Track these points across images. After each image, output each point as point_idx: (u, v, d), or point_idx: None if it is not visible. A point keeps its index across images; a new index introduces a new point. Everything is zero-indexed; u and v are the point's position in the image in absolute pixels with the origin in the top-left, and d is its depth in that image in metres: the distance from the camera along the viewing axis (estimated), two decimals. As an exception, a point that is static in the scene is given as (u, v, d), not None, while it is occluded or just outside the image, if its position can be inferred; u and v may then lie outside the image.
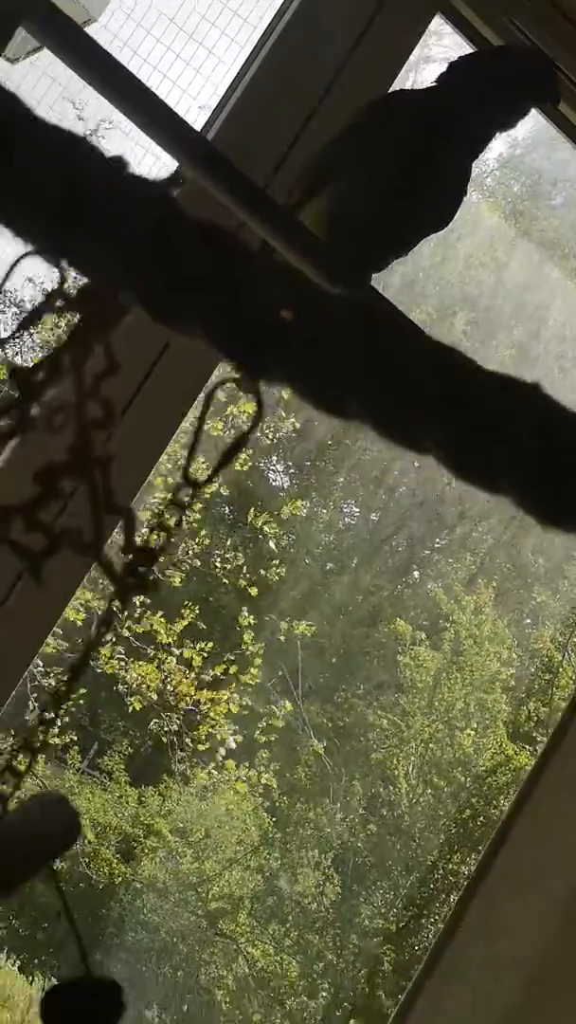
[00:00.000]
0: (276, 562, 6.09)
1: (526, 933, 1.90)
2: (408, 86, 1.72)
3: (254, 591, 5.97)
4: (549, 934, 1.90)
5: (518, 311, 6.31)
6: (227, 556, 5.96)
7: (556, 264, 6.19)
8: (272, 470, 6.89)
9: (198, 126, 1.85)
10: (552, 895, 1.91)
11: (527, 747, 5.71)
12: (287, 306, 0.57)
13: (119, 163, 0.58)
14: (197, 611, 5.87)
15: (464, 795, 5.70)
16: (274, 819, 5.88)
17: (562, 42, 1.88)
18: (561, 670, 5.88)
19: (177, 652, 5.80)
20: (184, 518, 0.58)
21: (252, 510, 6.10)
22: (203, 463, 0.66)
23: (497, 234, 6.42)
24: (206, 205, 1.46)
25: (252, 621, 5.94)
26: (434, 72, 1.45)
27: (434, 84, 1.49)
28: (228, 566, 5.97)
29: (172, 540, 0.57)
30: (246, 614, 5.94)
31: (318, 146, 1.59)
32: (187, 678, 5.78)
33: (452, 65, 1.50)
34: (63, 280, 0.58)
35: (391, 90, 1.79)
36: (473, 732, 5.79)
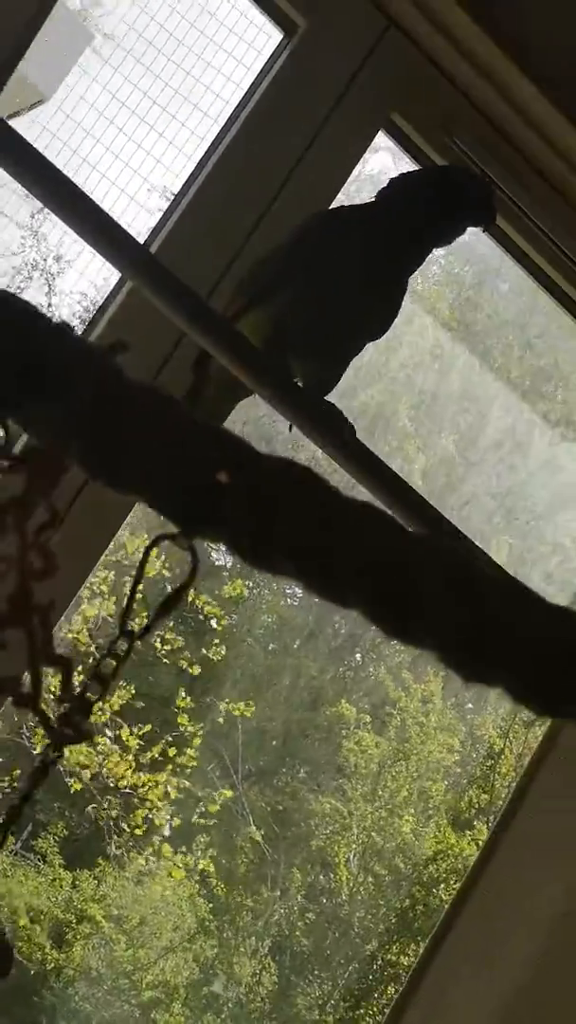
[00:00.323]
0: (217, 642, 6.08)
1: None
2: (346, 199, 1.77)
3: (195, 670, 5.95)
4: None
5: (462, 398, 6.40)
6: (167, 636, 5.94)
7: (492, 370, 6.31)
8: (214, 549, 6.90)
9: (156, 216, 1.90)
10: (497, 986, 1.92)
11: (468, 834, 5.71)
12: (223, 468, 0.59)
13: (65, 328, 0.61)
14: (133, 691, 5.83)
15: (405, 884, 5.67)
16: (211, 906, 5.81)
17: (501, 161, 1.95)
18: (502, 757, 5.90)
19: (112, 734, 5.75)
20: (121, 670, 0.60)
21: (193, 590, 6.09)
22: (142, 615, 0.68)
23: (438, 326, 6.52)
24: (148, 314, 1.50)
25: (190, 703, 5.91)
26: (372, 186, 1.51)
27: (374, 200, 1.54)
28: (168, 647, 5.95)
29: (108, 693, 0.59)
30: (183, 695, 5.91)
31: (260, 257, 1.63)
32: (124, 760, 5.73)
33: (392, 181, 1.55)
34: (6, 438, 0.61)
35: (332, 206, 1.84)
36: (415, 820, 5.78)
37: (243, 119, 1.85)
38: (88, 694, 0.60)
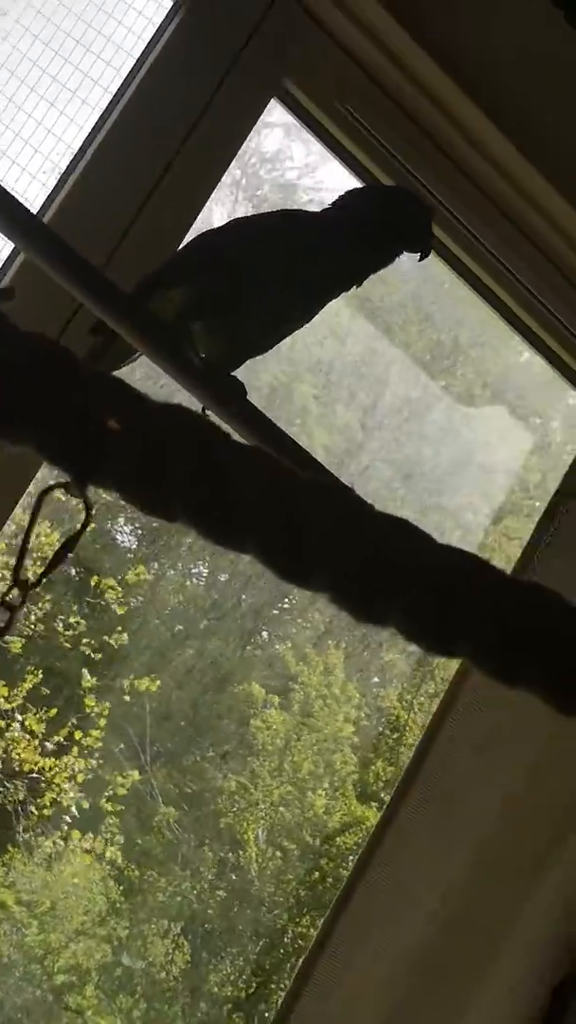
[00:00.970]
0: (120, 628, 6.04)
1: (372, 992, 1.93)
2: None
3: (99, 656, 5.91)
4: (394, 992, 1.93)
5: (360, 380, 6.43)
6: (71, 621, 5.89)
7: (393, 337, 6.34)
8: (119, 531, 6.85)
9: (47, 189, 1.88)
10: (397, 952, 1.94)
11: (375, 806, 5.76)
12: (114, 415, 0.59)
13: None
14: (40, 676, 5.77)
15: (313, 857, 5.71)
16: (121, 888, 5.79)
17: (388, 122, 1.96)
18: (407, 729, 5.95)
19: (20, 718, 5.70)
20: (14, 620, 0.60)
21: (96, 576, 6.05)
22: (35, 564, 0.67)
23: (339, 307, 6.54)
24: (44, 286, 1.49)
25: (96, 683, 5.87)
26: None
27: (327, 209, 1.54)
28: (71, 632, 5.90)
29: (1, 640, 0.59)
30: (88, 676, 5.87)
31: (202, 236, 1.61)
32: (30, 744, 5.68)
33: (342, 196, 1.55)
34: None
35: (285, 208, 1.82)
36: (323, 793, 5.81)
37: (135, 87, 1.84)
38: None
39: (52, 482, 0.61)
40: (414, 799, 1.98)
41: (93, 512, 0.60)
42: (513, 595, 0.64)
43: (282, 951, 5.59)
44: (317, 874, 5.65)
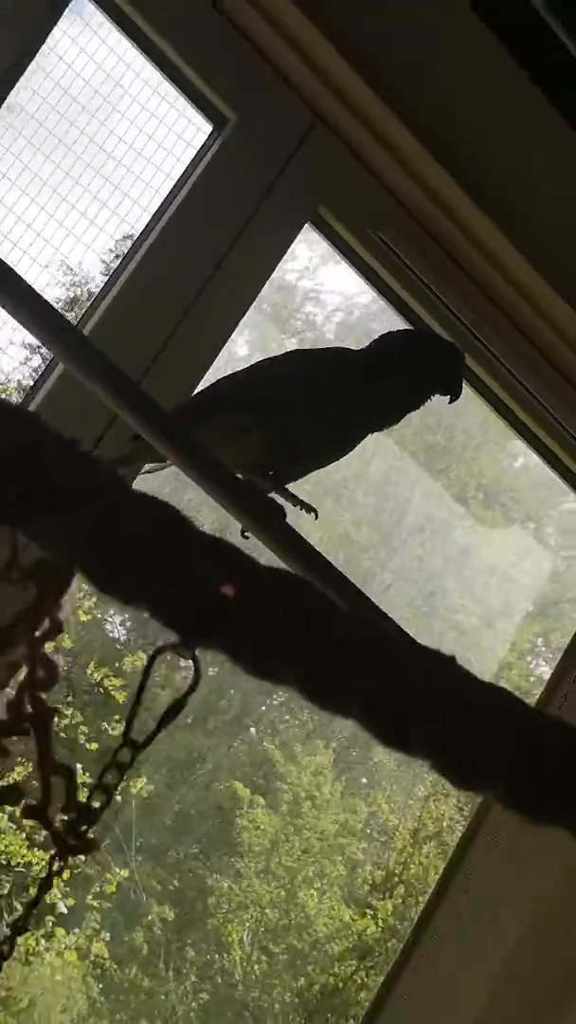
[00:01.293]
0: (117, 717, 6.00)
1: None
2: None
3: (93, 747, 5.86)
4: None
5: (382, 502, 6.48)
6: (65, 712, 5.85)
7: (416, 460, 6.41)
8: (109, 622, 6.83)
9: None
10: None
11: (367, 912, 5.69)
12: (228, 583, 0.61)
13: (73, 443, 0.63)
14: (29, 768, 5.72)
15: (300, 962, 5.62)
16: (101, 986, 5.68)
17: (423, 254, 2.01)
18: (397, 833, 5.90)
19: (8, 809, 5.63)
20: (123, 779, 0.61)
21: (92, 663, 6.03)
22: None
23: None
24: (77, 392, 1.52)
25: (87, 779, 5.82)
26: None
27: (370, 351, 1.60)
28: (65, 721, 5.86)
29: (111, 801, 0.60)
30: (80, 771, 5.81)
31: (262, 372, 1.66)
32: (16, 837, 5.60)
33: (387, 339, 1.61)
34: (15, 552, 0.62)
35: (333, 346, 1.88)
36: (312, 897, 5.74)
37: (174, 208, 1.89)
38: (93, 803, 0.60)
39: (162, 643, 0.62)
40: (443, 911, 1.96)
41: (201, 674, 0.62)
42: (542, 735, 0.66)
43: (266, 1059, 5.49)
44: (303, 980, 5.56)
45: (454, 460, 6.70)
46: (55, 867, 0.60)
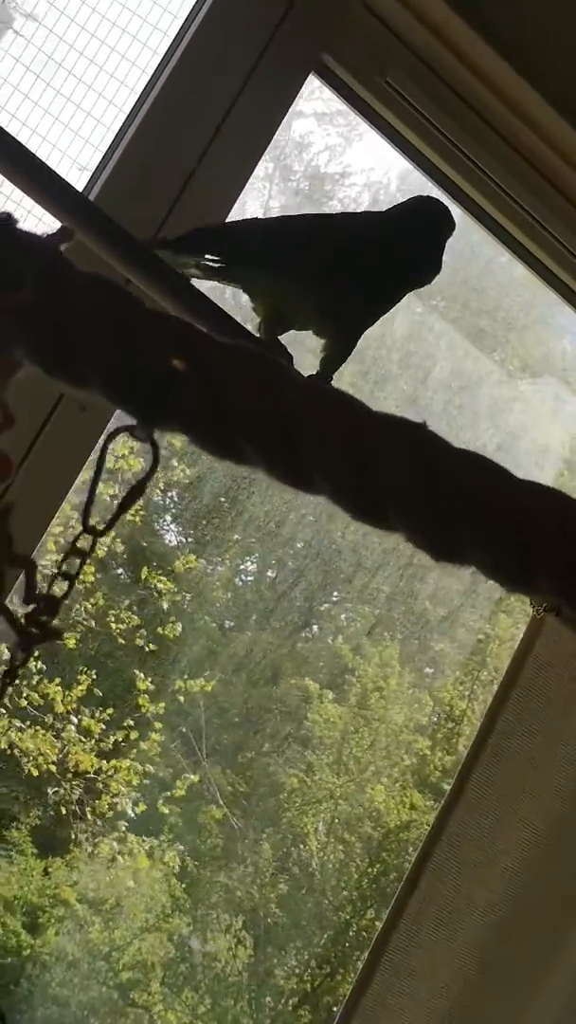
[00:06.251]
0: (172, 619, 6.03)
1: (438, 979, 1.91)
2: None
3: (152, 647, 5.91)
4: (461, 978, 1.91)
5: (404, 360, 6.40)
6: (122, 616, 5.89)
7: (440, 313, 6.31)
8: (166, 529, 6.86)
9: (79, 187, 1.87)
10: (462, 940, 1.92)
11: (435, 797, 5.73)
12: (179, 355, 0.58)
13: (8, 220, 0.59)
14: (94, 676, 5.78)
15: (375, 850, 5.69)
16: (183, 884, 5.79)
17: (433, 98, 1.94)
18: (465, 718, 5.92)
19: (76, 721, 5.71)
20: (84, 565, 0.59)
21: (146, 568, 6.06)
22: (98, 521, 0.66)
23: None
24: (92, 266, 1.48)
25: (150, 685, 5.87)
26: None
27: (395, 209, 1.53)
28: (123, 626, 5.90)
29: (73, 588, 0.58)
30: (143, 677, 5.87)
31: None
32: (85, 748, 5.68)
33: (412, 202, 1.54)
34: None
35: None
36: (382, 786, 5.79)
37: (170, 69, 1.83)
38: (53, 592, 0.58)
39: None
40: (477, 782, 1.95)
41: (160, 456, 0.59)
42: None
43: (346, 944, 5.58)
44: (379, 867, 5.62)
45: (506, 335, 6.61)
46: (16, 657, 0.58)
